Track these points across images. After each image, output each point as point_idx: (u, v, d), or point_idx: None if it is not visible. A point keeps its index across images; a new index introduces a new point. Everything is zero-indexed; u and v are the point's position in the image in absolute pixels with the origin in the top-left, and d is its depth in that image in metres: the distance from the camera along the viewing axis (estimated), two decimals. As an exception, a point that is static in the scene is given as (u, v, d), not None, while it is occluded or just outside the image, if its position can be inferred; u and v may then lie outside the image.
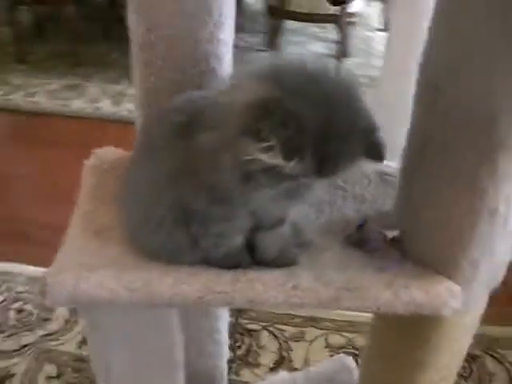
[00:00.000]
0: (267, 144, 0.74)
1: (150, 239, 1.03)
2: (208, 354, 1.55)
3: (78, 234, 1.10)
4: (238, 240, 0.98)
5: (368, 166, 1.21)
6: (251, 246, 1.01)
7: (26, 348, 2.00)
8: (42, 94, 3.46)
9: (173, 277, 0.97)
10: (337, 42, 3.45)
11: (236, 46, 3.72)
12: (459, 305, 1.00)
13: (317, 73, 0.82)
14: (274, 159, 0.76)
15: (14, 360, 1.95)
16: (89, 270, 0.98)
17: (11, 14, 3.67)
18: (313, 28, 4.30)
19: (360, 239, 1.09)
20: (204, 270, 0.99)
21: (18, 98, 3.39)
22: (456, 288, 0.99)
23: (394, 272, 1.01)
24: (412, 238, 1.06)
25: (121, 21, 3.62)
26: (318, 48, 4.08)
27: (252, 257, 1.02)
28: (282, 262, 1.02)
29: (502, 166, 0.87)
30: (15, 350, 1.99)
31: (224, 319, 1.51)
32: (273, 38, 3.61)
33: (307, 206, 1.10)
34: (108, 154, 1.25)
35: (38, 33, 4.12)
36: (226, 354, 1.62)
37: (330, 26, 3.83)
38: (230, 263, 1.00)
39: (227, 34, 1.09)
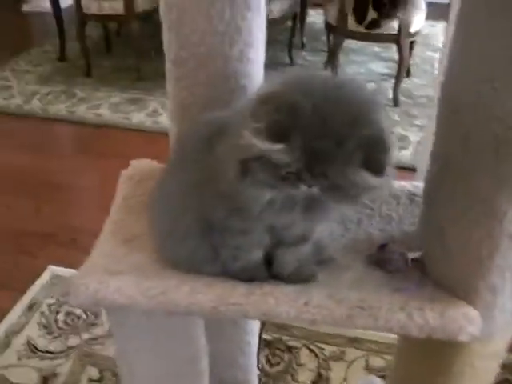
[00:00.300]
0: (256, 125, 0.76)
1: (175, 249, 1.06)
2: (238, 366, 1.57)
3: (107, 241, 1.15)
4: (257, 255, 1.00)
5: (398, 187, 1.22)
6: (270, 260, 1.03)
7: (72, 350, 2.07)
8: (106, 106, 3.60)
9: (189, 286, 0.99)
10: (397, 62, 3.41)
11: (296, 64, 3.75)
12: (478, 331, 0.97)
13: (336, 83, 0.84)
14: (260, 141, 0.77)
15: (59, 361, 2.02)
16: (111, 275, 1.03)
17: (81, 30, 3.85)
18: (374, 47, 4.29)
19: (381, 259, 1.08)
20: (221, 282, 1.01)
21: (82, 110, 3.54)
22: (474, 314, 0.97)
23: (412, 293, 1.00)
24: (433, 261, 1.04)
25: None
26: (379, 67, 4.06)
27: (269, 270, 1.03)
28: (299, 278, 1.03)
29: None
30: (61, 352, 2.06)
31: (254, 332, 1.52)
32: (332, 57, 3.60)
33: (333, 223, 1.10)
34: (143, 165, 1.30)
35: (106, 48, 4.31)
36: (255, 367, 1.63)
37: (393, 46, 3.79)
38: (246, 276, 1.02)
39: (257, 53, 1.12)
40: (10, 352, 2.04)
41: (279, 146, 0.76)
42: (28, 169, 2.95)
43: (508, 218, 0.88)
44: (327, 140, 0.76)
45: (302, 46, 4.37)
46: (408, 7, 1.01)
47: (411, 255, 1.06)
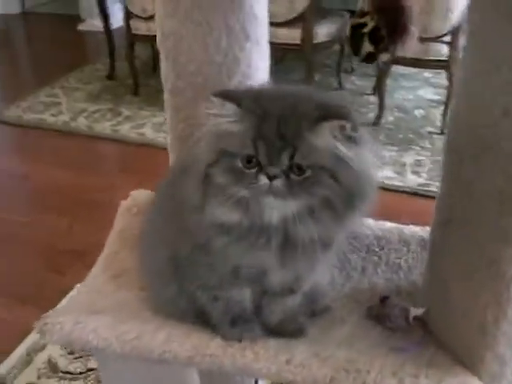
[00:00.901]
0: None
1: (157, 292, 1.02)
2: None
3: (96, 276, 1.11)
4: (238, 295, 0.93)
5: (409, 232, 1.13)
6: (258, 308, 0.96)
7: (91, 372, 2.04)
8: (149, 126, 3.61)
9: (166, 332, 0.93)
10: (447, 88, 3.28)
11: (344, 89, 3.66)
12: (480, 406, 0.86)
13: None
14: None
15: (79, 382, 2.00)
16: (90, 314, 0.98)
17: (130, 50, 3.90)
18: (425, 73, 4.16)
19: (381, 314, 0.99)
20: (199, 331, 0.94)
21: (126, 129, 3.56)
22: (476, 384, 0.86)
23: (410, 355, 0.90)
24: (436, 320, 0.95)
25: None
26: (428, 94, 3.92)
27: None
28: (285, 331, 0.95)
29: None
30: (80, 373, 2.04)
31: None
32: (380, 82, 3.51)
33: (327, 272, 1.03)
34: (143, 196, 1.25)
35: (153, 68, 4.34)
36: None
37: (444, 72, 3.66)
38: (229, 320, 0.95)
39: (261, 77, 1.06)
40: (31, 369, 2.03)
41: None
42: (67, 185, 2.98)
43: (515, 283, 0.78)
44: (282, 124, 0.74)
45: (352, 70, 4.29)
46: (406, 41, 0.93)
47: (414, 311, 0.96)
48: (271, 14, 3.17)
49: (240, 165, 0.76)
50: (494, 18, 0.71)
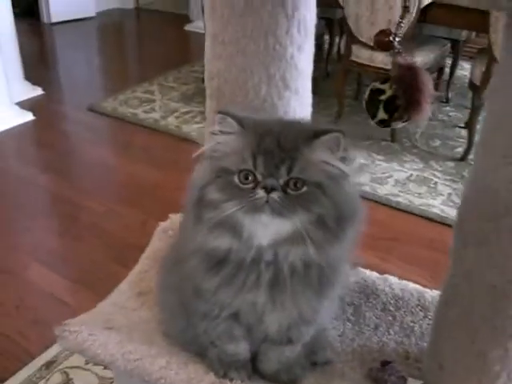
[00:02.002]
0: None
1: (168, 323, 1.08)
2: None
3: (123, 291, 1.18)
4: (234, 349, 0.97)
5: (430, 296, 1.11)
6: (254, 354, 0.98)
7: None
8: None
9: (166, 360, 0.98)
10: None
11: (436, 119, 3.56)
12: None
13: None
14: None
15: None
16: (104, 329, 1.04)
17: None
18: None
19: (380, 377, 0.99)
20: (198, 362, 0.98)
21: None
22: None
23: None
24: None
25: (326, 77, 3.68)
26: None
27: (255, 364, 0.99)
28: (280, 380, 0.97)
29: (512, 353, 0.73)
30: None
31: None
32: (473, 117, 3.39)
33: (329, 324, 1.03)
34: (179, 220, 1.31)
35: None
36: None
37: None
38: (221, 367, 0.98)
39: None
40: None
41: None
42: (148, 182, 3.09)
43: (501, 380, 0.76)
44: (277, 141, 0.79)
45: (447, 100, 4.15)
46: (420, 115, 0.91)
47: (411, 383, 0.95)
48: (370, 38, 3.13)
49: (237, 181, 0.79)
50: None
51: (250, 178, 0.79)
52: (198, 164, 0.86)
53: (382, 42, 0.96)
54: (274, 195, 0.77)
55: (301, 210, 0.78)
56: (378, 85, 1.00)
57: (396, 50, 0.97)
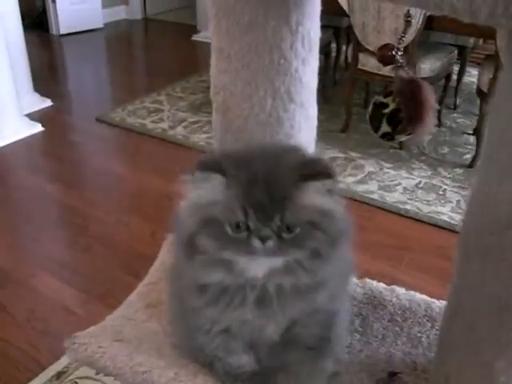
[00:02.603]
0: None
1: (176, 333, 1.08)
2: None
3: (132, 303, 1.18)
4: (237, 361, 0.97)
5: (437, 307, 1.11)
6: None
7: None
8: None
9: (175, 372, 0.99)
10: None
11: (444, 126, 3.56)
12: None
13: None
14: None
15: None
16: (114, 341, 1.05)
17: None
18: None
19: (387, 388, 0.99)
20: (207, 374, 0.99)
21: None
22: None
23: None
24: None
25: (334, 85, 3.68)
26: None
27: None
28: None
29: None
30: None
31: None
32: (481, 123, 3.38)
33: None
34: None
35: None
36: None
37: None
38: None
39: (304, 138, 1.09)
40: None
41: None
42: (156, 192, 3.10)
43: (507, 389, 0.76)
44: (267, 186, 0.77)
45: (455, 107, 4.15)
46: (423, 128, 0.92)
47: (419, 393, 0.96)
48: (377, 46, 3.12)
49: (229, 230, 0.79)
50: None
51: (242, 227, 0.78)
52: (182, 201, 0.84)
53: (385, 56, 0.97)
54: (270, 243, 0.78)
55: (295, 249, 0.80)
56: (381, 98, 1.01)
57: (398, 64, 0.98)
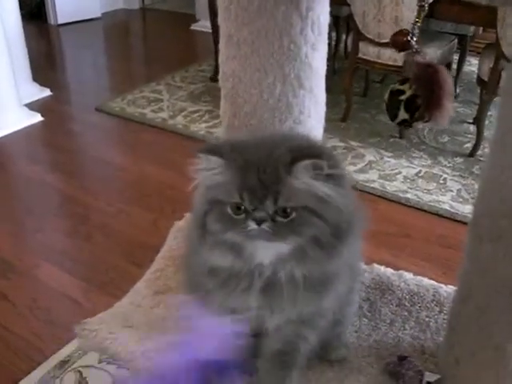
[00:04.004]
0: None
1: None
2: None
3: (140, 290, 1.19)
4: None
5: (445, 292, 1.12)
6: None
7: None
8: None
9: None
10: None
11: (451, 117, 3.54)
12: None
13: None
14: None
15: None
16: (124, 327, 1.06)
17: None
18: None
19: (397, 372, 1.00)
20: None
21: (221, 131, 3.67)
22: None
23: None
24: (449, 390, 0.94)
25: (333, 74, 3.65)
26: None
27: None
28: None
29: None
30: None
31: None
32: (481, 112, 3.38)
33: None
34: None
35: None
36: None
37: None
38: None
39: (309, 130, 1.09)
40: (92, 354, 2.15)
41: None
42: (157, 181, 3.09)
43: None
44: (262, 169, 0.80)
45: (455, 96, 4.14)
46: (439, 115, 0.92)
47: (428, 377, 0.97)
48: (378, 34, 3.14)
49: (230, 211, 0.82)
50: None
51: (241, 208, 0.82)
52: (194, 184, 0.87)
53: (400, 41, 0.97)
54: (264, 226, 0.81)
55: (293, 235, 0.82)
56: (397, 86, 1.01)
57: (414, 50, 0.98)
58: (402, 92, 1.02)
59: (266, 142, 0.86)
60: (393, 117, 1.05)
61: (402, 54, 1.05)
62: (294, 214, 0.81)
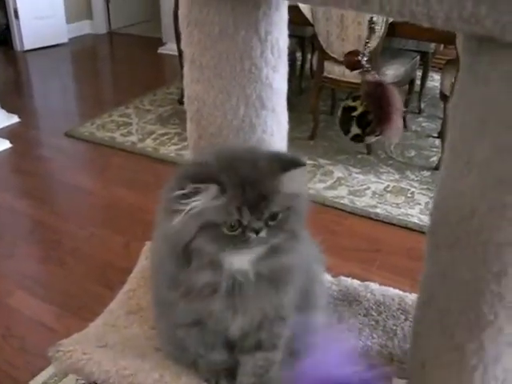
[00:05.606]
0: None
1: (158, 331, 1.11)
2: None
3: (113, 310, 1.20)
4: (213, 356, 1.01)
5: (410, 301, 1.15)
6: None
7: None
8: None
9: (159, 374, 1.01)
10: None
11: (410, 130, 3.63)
12: None
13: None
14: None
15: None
16: (98, 347, 1.07)
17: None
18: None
19: (366, 379, 1.02)
20: (190, 373, 1.01)
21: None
22: None
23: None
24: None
25: (300, 93, 3.70)
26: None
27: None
28: None
29: (487, 346, 0.78)
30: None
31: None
32: (445, 125, 3.47)
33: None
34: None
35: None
36: None
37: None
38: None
39: (276, 142, 1.12)
40: (69, 380, 2.12)
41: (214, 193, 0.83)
42: (128, 204, 3.10)
43: (479, 372, 0.80)
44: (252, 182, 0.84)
45: (419, 111, 4.25)
46: (392, 127, 0.97)
47: (396, 382, 1.00)
48: (342, 53, 3.20)
49: (226, 231, 0.85)
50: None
51: (235, 224, 0.85)
52: (164, 216, 0.89)
53: (351, 61, 1.02)
54: (262, 233, 0.86)
55: (280, 233, 0.88)
56: (349, 102, 1.06)
57: (365, 69, 1.03)
58: (354, 108, 1.07)
59: (242, 157, 0.90)
60: (346, 132, 1.10)
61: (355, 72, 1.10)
62: (280, 215, 0.87)
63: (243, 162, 0.87)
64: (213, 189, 0.84)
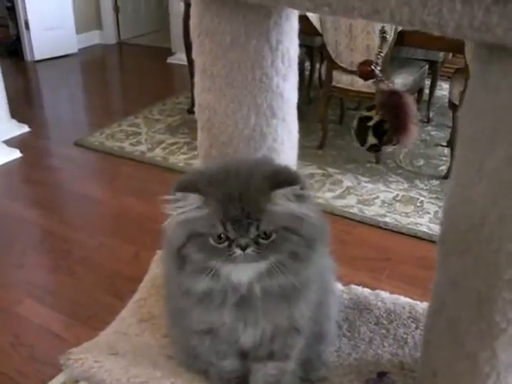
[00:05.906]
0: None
1: (172, 343, 1.11)
2: None
3: (125, 318, 1.21)
4: (223, 365, 1.01)
5: (421, 309, 1.15)
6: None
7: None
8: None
9: (171, 382, 1.01)
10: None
11: (418, 139, 3.61)
12: None
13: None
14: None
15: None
16: (109, 355, 1.07)
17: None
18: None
19: (377, 388, 1.02)
20: (203, 381, 1.01)
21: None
22: None
23: None
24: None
25: (309, 103, 3.72)
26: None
27: None
28: None
29: (500, 354, 0.77)
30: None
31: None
32: (455, 134, 3.47)
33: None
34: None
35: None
36: None
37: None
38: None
39: (282, 158, 1.13)
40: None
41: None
42: (137, 214, 3.10)
43: (491, 380, 0.80)
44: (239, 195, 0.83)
45: (428, 120, 4.24)
46: (408, 136, 0.97)
47: (408, 392, 0.99)
48: (350, 63, 3.22)
49: (212, 242, 0.85)
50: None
51: (223, 237, 0.85)
52: (168, 219, 0.89)
53: (365, 71, 1.02)
54: (249, 250, 0.84)
55: (274, 253, 0.86)
56: (364, 113, 1.06)
57: (378, 78, 1.03)
58: (370, 118, 1.07)
59: (239, 171, 0.88)
60: (362, 142, 1.10)
61: (369, 82, 1.10)
62: (274, 235, 0.85)
63: (237, 176, 0.87)
64: (195, 199, 0.84)
